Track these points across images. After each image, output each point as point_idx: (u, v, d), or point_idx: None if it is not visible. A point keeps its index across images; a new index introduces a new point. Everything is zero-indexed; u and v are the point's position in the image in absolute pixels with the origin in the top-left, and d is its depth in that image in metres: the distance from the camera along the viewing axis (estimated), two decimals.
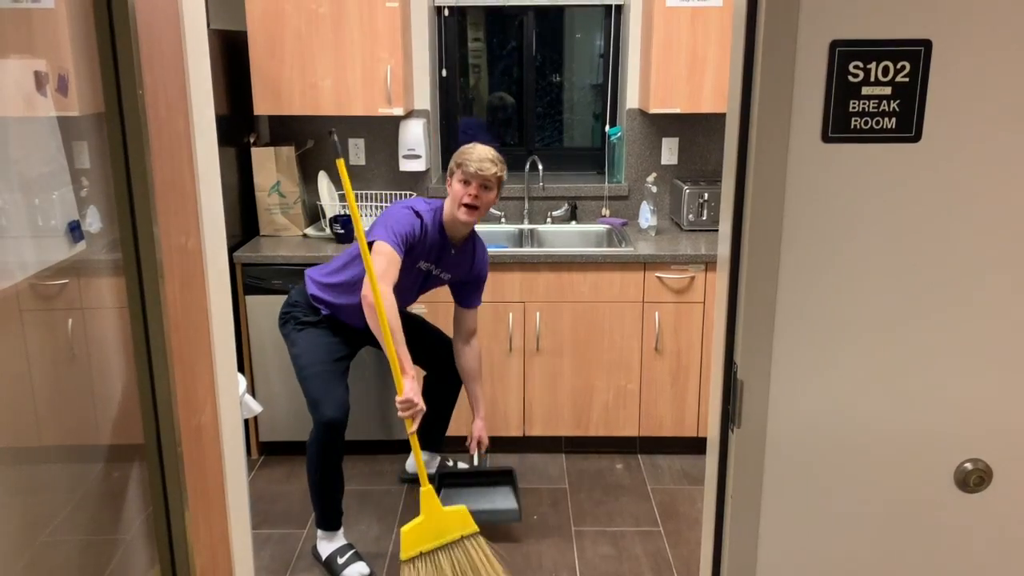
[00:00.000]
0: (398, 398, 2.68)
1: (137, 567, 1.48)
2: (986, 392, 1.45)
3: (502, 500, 3.12)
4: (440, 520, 2.65)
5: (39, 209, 1.07)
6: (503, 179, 2.85)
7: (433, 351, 3.22)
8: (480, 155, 2.80)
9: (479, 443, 3.13)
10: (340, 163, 2.58)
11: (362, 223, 2.73)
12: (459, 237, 2.95)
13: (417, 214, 2.83)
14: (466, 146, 2.87)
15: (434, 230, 2.87)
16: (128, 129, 1.18)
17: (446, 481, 3.16)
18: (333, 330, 2.98)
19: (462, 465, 3.50)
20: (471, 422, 3.18)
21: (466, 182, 2.80)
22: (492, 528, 3.11)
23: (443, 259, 2.95)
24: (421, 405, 2.71)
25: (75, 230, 1.11)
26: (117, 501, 1.44)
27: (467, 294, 3.10)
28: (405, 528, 2.61)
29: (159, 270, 1.26)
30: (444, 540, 2.64)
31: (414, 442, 2.74)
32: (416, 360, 2.98)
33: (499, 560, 2.74)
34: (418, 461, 2.76)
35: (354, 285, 2.88)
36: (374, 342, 3.07)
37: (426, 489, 2.66)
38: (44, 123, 1.09)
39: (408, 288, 2.96)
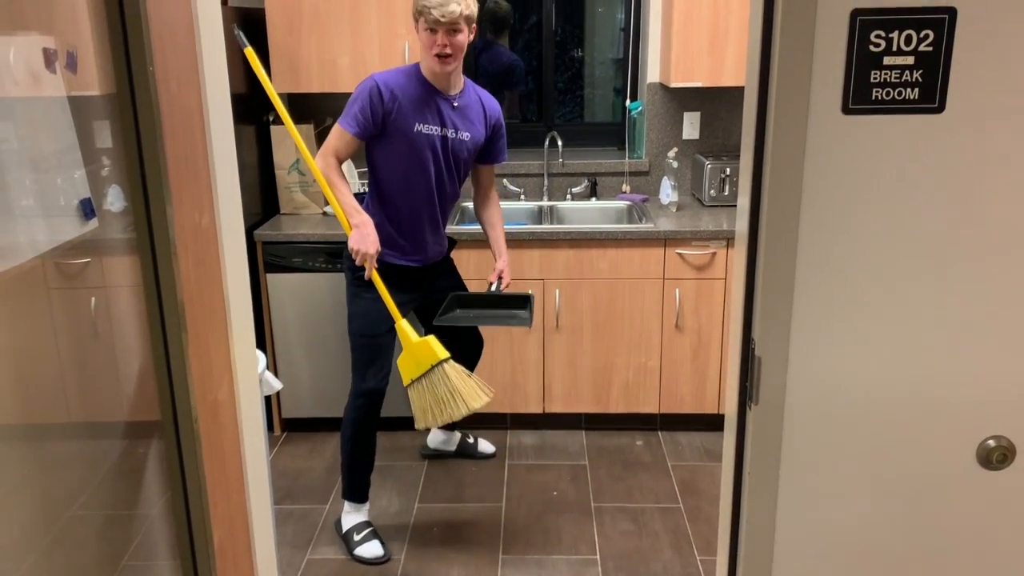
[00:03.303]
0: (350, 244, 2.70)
1: (161, 542, 1.50)
2: (1010, 368, 1.43)
3: (515, 311, 3.02)
4: (418, 350, 2.74)
5: (49, 187, 1.07)
6: (473, 16, 2.62)
7: (457, 333, 3.17)
8: None
9: (500, 275, 3.01)
10: (249, 52, 2.45)
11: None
12: (451, 87, 2.76)
13: (371, 80, 2.67)
14: None
15: (413, 85, 2.70)
16: (139, 106, 1.18)
17: (462, 301, 3.04)
18: (392, 286, 2.82)
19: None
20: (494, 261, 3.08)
21: (432, 31, 2.60)
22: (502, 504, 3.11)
23: (446, 116, 2.76)
24: (367, 250, 2.67)
25: (87, 208, 1.12)
26: (143, 477, 1.46)
27: (492, 149, 2.98)
28: (399, 360, 2.77)
29: (172, 247, 1.26)
30: (428, 366, 2.74)
31: (377, 282, 2.74)
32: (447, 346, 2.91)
33: (471, 376, 2.81)
34: (380, 287, 2.74)
35: (383, 195, 2.82)
36: (424, 296, 3.03)
37: (399, 325, 2.77)
38: (54, 100, 1.09)
39: (430, 162, 2.78)
